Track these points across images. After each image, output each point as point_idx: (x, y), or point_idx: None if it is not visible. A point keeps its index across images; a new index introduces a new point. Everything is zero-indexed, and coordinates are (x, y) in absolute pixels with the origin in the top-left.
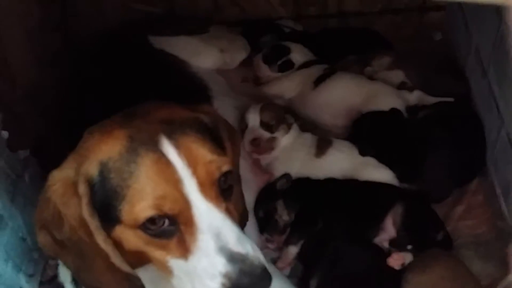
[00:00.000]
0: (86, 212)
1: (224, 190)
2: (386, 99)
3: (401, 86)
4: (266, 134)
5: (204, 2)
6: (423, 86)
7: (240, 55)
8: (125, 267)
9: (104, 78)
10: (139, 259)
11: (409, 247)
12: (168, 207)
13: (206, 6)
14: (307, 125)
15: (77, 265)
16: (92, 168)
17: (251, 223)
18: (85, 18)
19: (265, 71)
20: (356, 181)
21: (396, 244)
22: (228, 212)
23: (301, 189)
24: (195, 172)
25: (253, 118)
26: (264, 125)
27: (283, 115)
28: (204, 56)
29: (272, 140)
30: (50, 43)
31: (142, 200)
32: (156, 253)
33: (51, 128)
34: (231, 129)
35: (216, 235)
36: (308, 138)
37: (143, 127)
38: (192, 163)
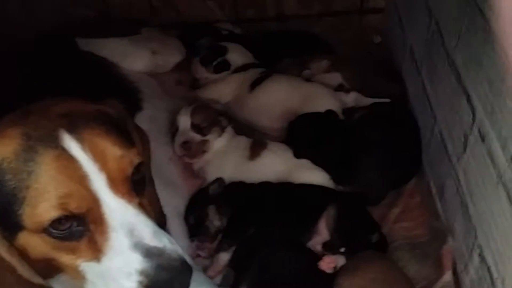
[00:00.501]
0: None
1: (136, 184)
2: (322, 101)
3: (338, 89)
4: (198, 137)
5: (140, 5)
6: (360, 88)
7: (173, 58)
8: (36, 279)
9: (26, 80)
10: (49, 267)
11: (342, 249)
12: (74, 206)
13: (142, 8)
14: (243, 128)
15: None
16: None
17: (181, 230)
18: (16, 21)
19: (202, 73)
20: (290, 184)
21: (329, 247)
22: (142, 207)
23: (233, 194)
24: (103, 167)
25: (184, 120)
26: (195, 127)
27: (216, 117)
28: (134, 58)
29: (204, 143)
30: None
31: (44, 200)
32: (65, 258)
33: None
34: (139, 130)
35: (130, 232)
36: (242, 141)
37: (41, 123)
38: (99, 158)
